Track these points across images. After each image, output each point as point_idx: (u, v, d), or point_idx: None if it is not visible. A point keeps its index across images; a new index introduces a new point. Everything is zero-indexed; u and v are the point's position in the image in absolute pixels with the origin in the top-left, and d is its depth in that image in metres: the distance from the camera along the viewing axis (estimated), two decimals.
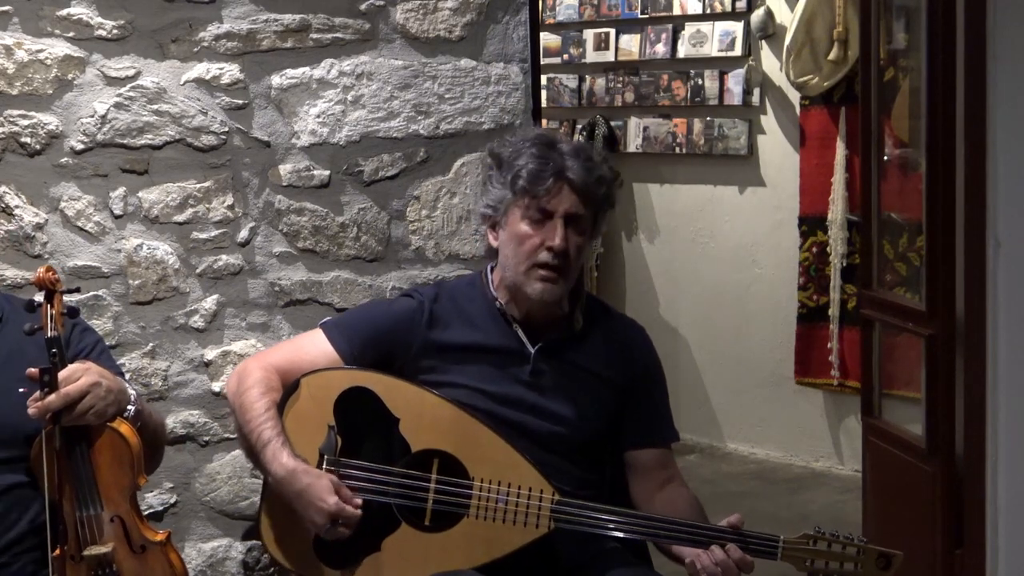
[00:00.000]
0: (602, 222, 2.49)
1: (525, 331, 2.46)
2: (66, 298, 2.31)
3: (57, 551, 2.24)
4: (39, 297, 2.28)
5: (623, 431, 2.50)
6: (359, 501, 2.29)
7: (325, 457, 2.35)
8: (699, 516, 2.39)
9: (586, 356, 2.48)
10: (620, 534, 2.31)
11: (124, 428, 2.32)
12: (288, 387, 2.41)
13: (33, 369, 2.22)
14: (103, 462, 2.30)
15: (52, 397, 2.20)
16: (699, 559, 2.21)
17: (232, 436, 2.96)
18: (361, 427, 2.38)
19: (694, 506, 2.43)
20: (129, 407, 2.35)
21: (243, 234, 2.98)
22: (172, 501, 3.01)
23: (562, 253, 2.37)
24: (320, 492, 2.26)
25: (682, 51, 5.84)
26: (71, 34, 2.86)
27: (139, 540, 2.32)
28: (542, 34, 5.54)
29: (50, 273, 2.29)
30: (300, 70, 2.97)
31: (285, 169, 2.99)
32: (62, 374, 2.23)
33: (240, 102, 2.95)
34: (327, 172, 3.01)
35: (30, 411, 2.21)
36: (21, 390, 2.29)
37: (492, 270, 2.53)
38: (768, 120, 5.62)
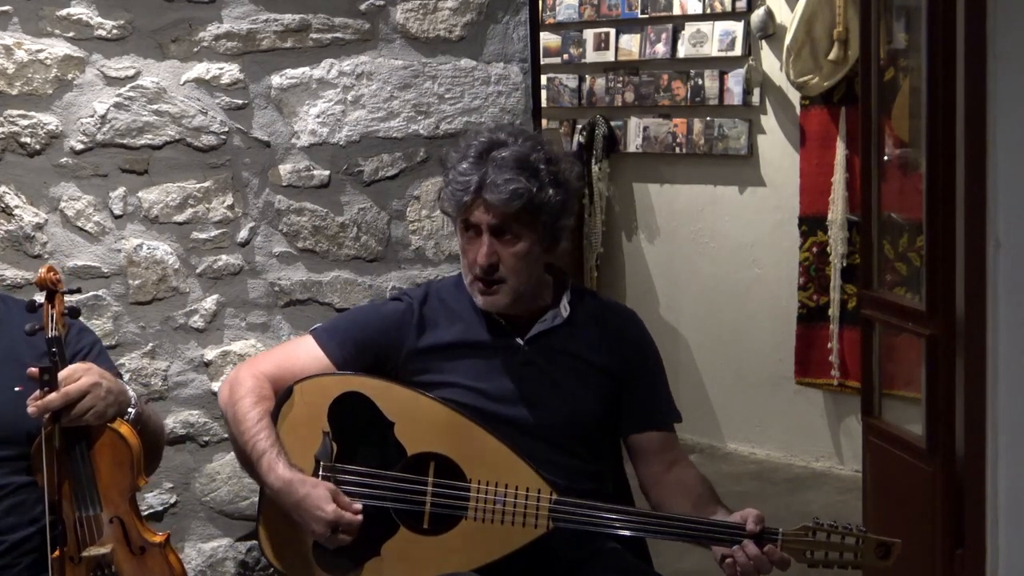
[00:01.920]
0: (555, 222, 2.40)
1: (512, 324, 2.46)
2: (67, 298, 2.31)
3: (56, 552, 2.23)
4: (40, 297, 2.28)
5: (623, 416, 2.49)
6: (359, 507, 2.29)
7: (321, 463, 2.35)
8: (711, 497, 2.39)
9: (577, 344, 2.47)
10: (619, 532, 2.31)
11: (124, 429, 2.32)
12: (281, 394, 2.41)
13: (33, 368, 2.22)
14: (103, 463, 2.29)
15: (52, 396, 2.20)
16: (735, 554, 2.20)
17: None
18: (356, 432, 2.37)
19: (705, 486, 2.43)
20: (130, 409, 2.35)
21: (243, 234, 2.98)
22: (172, 501, 3.01)
23: (489, 267, 2.36)
24: (318, 501, 2.26)
25: (682, 51, 5.84)
26: (71, 34, 2.86)
27: (138, 541, 2.31)
28: (542, 34, 5.54)
29: (51, 273, 2.29)
30: (300, 70, 2.97)
31: (285, 169, 2.99)
32: (62, 374, 2.22)
33: (240, 102, 2.95)
34: (327, 172, 3.01)
35: (29, 410, 2.20)
36: (17, 388, 2.29)
37: None
38: (768, 120, 5.62)
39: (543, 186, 2.36)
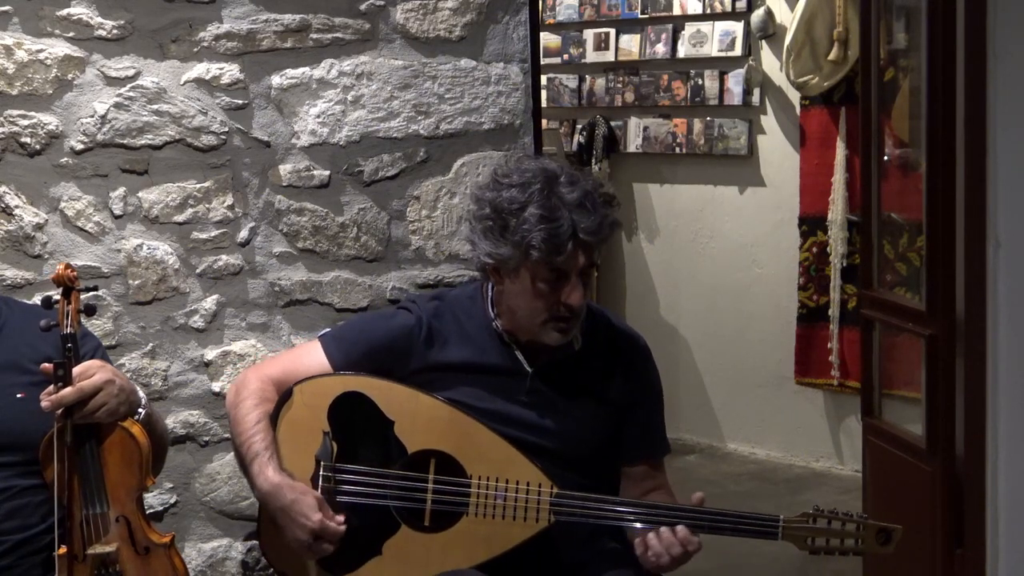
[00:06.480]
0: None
1: (523, 351, 2.45)
2: (82, 296, 2.32)
3: (62, 549, 2.24)
4: (56, 294, 2.29)
5: (620, 446, 2.52)
6: (341, 518, 2.30)
7: (321, 463, 2.35)
8: None
9: (584, 375, 2.47)
10: (620, 523, 2.31)
11: (135, 429, 2.33)
12: (282, 395, 2.42)
13: (48, 364, 2.23)
14: (112, 461, 2.30)
15: (67, 390, 2.21)
16: (648, 541, 2.24)
17: None
18: (356, 432, 2.38)
19: None
20: (140, 409, 2.36)
21: (243, 234, 2.98)
22: (172, 501, 3.01)
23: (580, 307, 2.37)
24: (304, 508, 2.27)
25: (682, 51, 5.84)
26: (71, 34, 2.86)
27: (143, 541, 2.32)
28: (542, 34, 5.54)
29: (69, 270, 2.31)
30: (300, 70, 2.97)
31: (285, 169, 2.99)
32: (76, 370, 2.24)
33: (240, 102, 2.95)
34: (327, 172, 3.01)
35: (43, 404, 2.21)
36: (19, 395, 2.29)
37: (493, 288, 2.47)
38: (768, 120, 5.62)
39: (616, 219, 2.40)
